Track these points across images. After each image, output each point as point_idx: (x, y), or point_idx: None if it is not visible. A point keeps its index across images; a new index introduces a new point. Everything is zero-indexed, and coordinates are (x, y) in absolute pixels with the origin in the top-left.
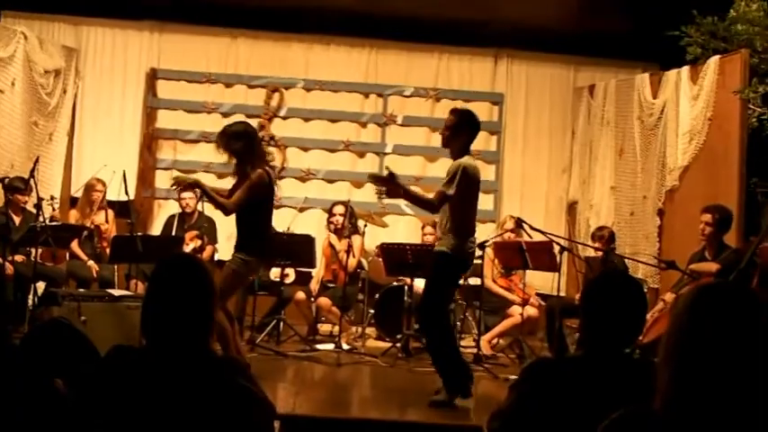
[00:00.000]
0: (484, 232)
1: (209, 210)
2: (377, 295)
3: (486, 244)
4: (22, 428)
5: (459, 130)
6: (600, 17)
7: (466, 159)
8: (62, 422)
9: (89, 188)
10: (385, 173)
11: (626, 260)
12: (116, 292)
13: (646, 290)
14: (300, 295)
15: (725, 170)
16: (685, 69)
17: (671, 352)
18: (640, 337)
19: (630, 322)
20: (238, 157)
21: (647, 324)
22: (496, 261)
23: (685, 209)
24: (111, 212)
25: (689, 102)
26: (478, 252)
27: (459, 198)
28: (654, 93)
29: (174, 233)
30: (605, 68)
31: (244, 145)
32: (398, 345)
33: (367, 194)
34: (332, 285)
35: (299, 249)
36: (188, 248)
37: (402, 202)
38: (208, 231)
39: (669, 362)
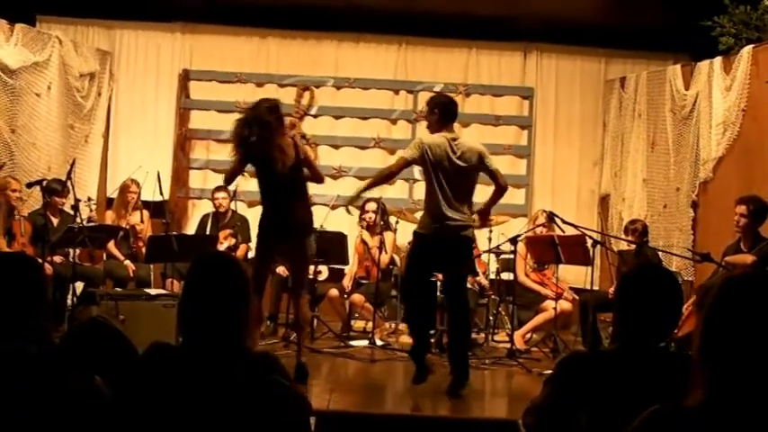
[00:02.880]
0: (516, 227)
1: (242, 209)
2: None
3: (519, 238)
4: (65, 425)
5: (430, 115)
6: (630, 8)
7: (428, 136)
8: (102, 419)
9: (124, 189)
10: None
11: (660, 253)
12: (152, 291)
13: (680, 282)
14: (334, 292)
15: (759, 161)
16: (718, 60)
17: (701, 345)
18: (675, 331)
19: (666, 316)
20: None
21: (682, 317)
22: (529, 256)
23: (720, 200)
24: (146, 213)
25: (722, 93)
26: (510, 247)
27: (423, 175)
28: (686, 84)
29: (208, 232)
30: (636, 60)
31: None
32: (432, 340)
33: (399, 191)
34: (365, 282)
35: (331, 247)
36: (222, 247)
37: None
38: (241, 230)
39: (701, 355)
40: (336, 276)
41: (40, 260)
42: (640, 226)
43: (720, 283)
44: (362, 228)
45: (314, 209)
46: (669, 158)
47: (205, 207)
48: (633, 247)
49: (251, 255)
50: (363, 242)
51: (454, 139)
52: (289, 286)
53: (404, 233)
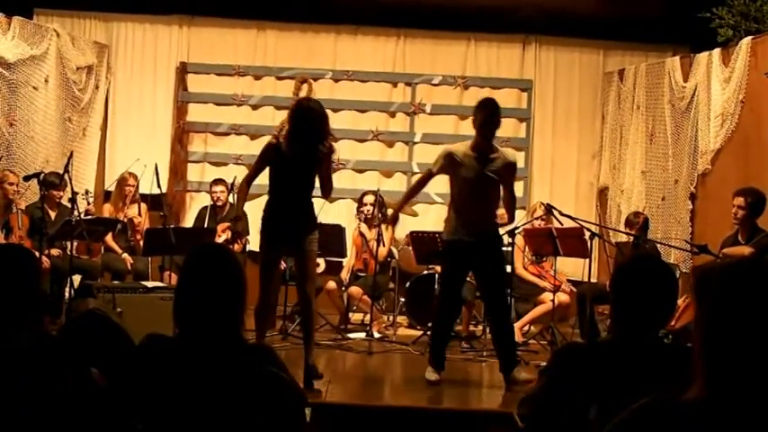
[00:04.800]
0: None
1: None
2: (407, 284)
3: (517, 231)
4: (60, 416)
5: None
6: (629, 0)
7: (454, 144)
8: (98, 409)
9: (122, 182)
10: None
11: (658, 245)
12: (150, 284)
13: (678, 275)
14: (331, 285)
15: (757, 153)
16: (716, 52)
17: (701, 337)
18: (672, 323)
19: (661, 306)
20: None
21: (679, 309)
22: (527, 248)
23: (718, 193)
24: (143, 206)
25: (720, 84)
26: (508, 240)
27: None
28: (685, 76)
29: (206, 225)
30: (635, 52)
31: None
32: (429, 333)
33: (397, 183)
34: (362, 274)
35: (329, 239)
36: (220, 240)
37: (432, 191)
38: (239, 223)
39: (701, 348)
40: (334, 269)
41: (37, 253)
42: (642, 219)
43: (722, 273)
44: (360, 220)
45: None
46: (668, 150)
47: (203, 200)
48: (631, 239)
49: (249, 248)
50: (361, 235)
51: None
52: (287, 280)
53: (402, 226)
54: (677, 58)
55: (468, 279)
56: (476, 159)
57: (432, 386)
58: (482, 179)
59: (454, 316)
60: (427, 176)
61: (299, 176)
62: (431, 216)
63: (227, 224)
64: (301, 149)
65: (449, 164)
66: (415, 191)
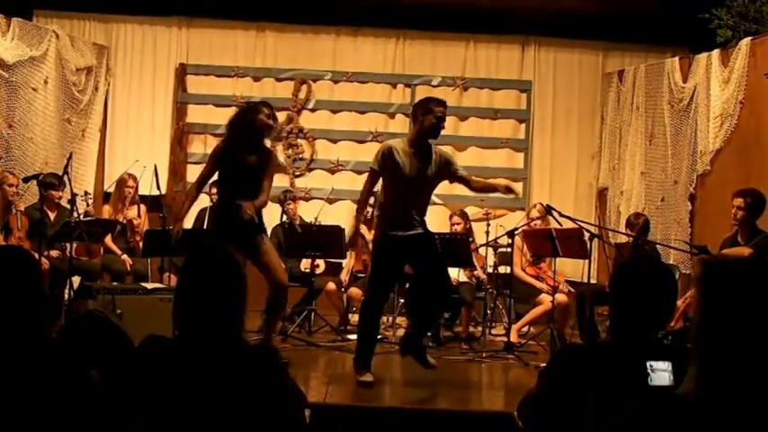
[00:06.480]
0: (513, 220)
1: None
2: (407, 285)
3: (516, 232)
4: (60, 418)
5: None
6: (628, 1)
7: (392, 140)
8: (97, 411)
9: (121, 183)
10: None
11: (657, 246)
12: (149, 285)
13: (678, 276)
14: (331, 286)
15: (757, 153)
16: (716, 52)
17: (696, 334)
18: (672, 323)
19: (659, 306)
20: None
21: (678, 310)
22: (525, 249)
23: (717, 193)
24: (143, 207)
25: (720, 85)
26: (507, 240)
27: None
28: (684, 77)
29: (205, 226)
30: (634, 53)
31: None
32: (429, 334)
33: None
34: (362, 276)
35: (328, 240)
36: None
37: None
38: None
39: (696, 344)
40: (334, 270)
41: (36, 254)
42: (642, 221)
43: (727, 271)
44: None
45: (312, 202)
46: (667, 151)
47: (202, 202)
48: (631, 240)
49: None
50: (361, 236)
51: None
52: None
53: None
54: (676, 58)
55: (466, 280)
56: (414, 156)
57: (367, 387)
58: (420, 177)
59: (380, 316)
60: (374, 177)
61: (245, 181)
62: (430, 218)
63: None
64: (246, 153)
65: (389, 160)
66: (366, 197)
